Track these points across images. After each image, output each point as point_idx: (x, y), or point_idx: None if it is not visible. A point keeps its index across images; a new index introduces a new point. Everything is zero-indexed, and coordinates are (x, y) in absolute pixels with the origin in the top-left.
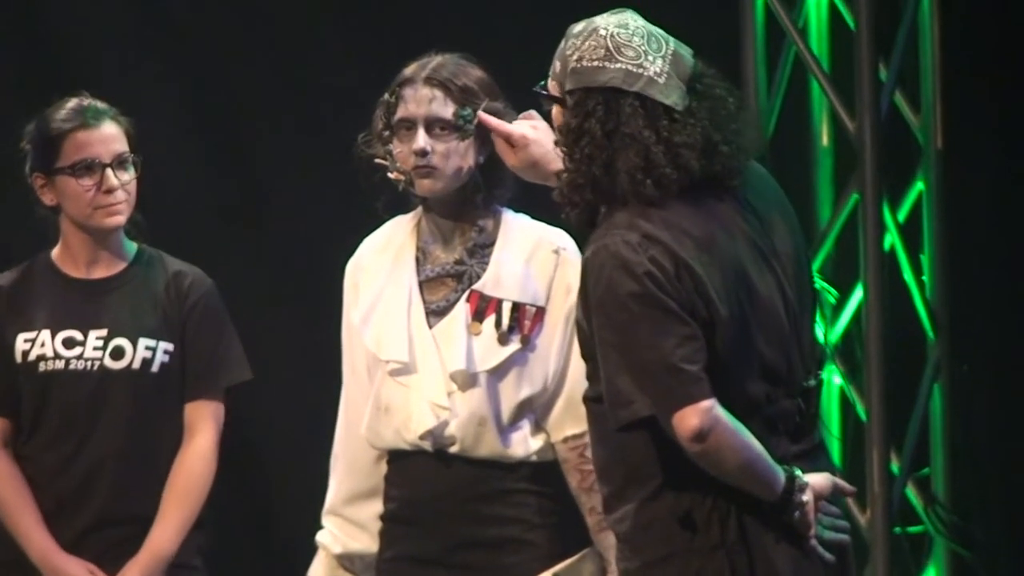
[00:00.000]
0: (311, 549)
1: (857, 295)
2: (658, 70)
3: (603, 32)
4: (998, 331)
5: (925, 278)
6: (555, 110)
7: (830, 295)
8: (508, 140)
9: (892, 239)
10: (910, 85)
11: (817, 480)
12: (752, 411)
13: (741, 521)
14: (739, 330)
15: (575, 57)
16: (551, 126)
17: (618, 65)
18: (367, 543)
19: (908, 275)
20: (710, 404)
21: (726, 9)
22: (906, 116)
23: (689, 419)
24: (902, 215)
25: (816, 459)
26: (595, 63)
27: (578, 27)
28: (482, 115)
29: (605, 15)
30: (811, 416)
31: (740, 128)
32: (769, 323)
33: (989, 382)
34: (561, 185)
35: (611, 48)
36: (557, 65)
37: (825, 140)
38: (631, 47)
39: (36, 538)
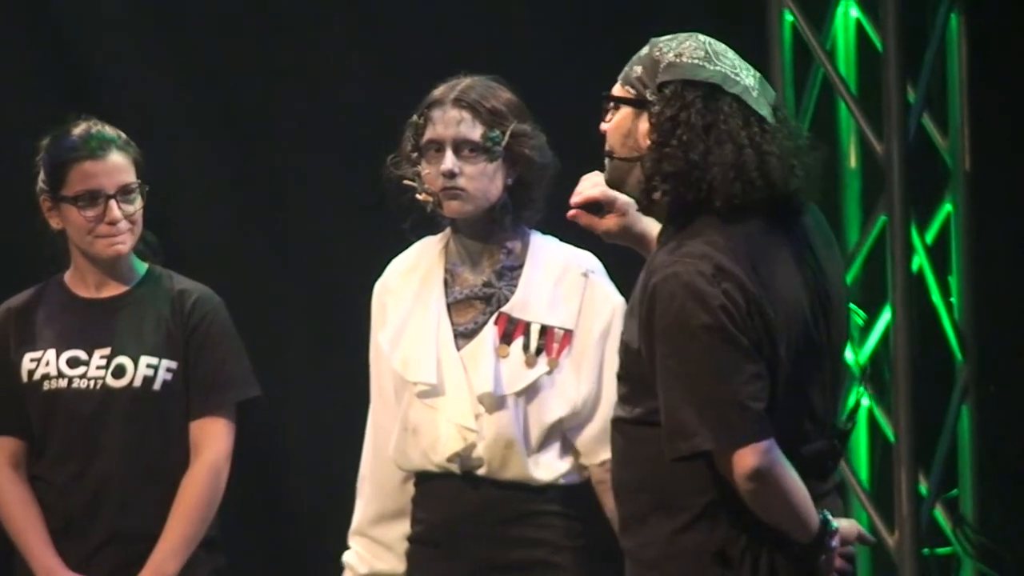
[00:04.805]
0: (334, 569)
1: (885, 317)
2: (751, 84)
3: (701, 38)
4: None
5: (953, 300)
6: (624, 115)
7: (858, 317)
8: (611, 206)
9: (920, 261)
10: (938, 107)
11: (845, 526)
12: (793, 451)
13: (772, 560)
14: (793, 371)
15: (673, 54)
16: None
17: (717, 67)
18: (394, 564)
19: (936, 297)
20: (770, 444)
21: (753, 30)
22: (934, 138)
23: (749, 458)
24: (930, 237)
25: (836, 499)
26: (696, 60)
27: (665, 36)
28: (577, 208)
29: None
30: (840, 457)
31: (811, 164)
32: (815, 365)
33: (1017, 403)
34: (647, 171)
35: (710, 52)
36: (638, 69)
37: (853, 162)
38: (727, 57)
39: (41, 556)
